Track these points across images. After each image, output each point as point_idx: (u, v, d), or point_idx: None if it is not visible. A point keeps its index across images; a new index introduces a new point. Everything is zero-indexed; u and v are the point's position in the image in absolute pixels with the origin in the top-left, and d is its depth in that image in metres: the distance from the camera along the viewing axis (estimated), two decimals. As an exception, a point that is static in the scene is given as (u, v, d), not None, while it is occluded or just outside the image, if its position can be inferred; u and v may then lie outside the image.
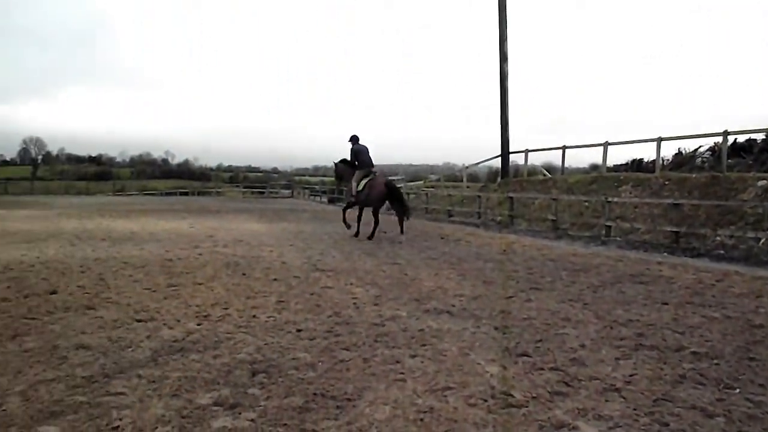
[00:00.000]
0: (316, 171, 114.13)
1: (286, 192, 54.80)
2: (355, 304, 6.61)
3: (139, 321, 5.62)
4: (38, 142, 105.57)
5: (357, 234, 14.43)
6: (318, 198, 44.84)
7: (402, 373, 4.25)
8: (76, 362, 4.33)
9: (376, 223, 14.45)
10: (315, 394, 3.82)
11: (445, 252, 11.68)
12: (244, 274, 8.46)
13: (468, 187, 30.11)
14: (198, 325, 5.54)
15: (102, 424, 3.29)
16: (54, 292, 6.87)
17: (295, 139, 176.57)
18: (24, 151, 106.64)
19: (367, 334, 5.30)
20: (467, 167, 31.77)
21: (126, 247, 11.35)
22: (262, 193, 55.09)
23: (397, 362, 4.51)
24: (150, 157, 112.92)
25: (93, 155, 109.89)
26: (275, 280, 8.07)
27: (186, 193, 58.06)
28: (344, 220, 15.01)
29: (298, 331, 5.39)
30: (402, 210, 14.30)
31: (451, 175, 40.72)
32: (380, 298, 6.97)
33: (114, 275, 8.15)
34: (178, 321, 5.67)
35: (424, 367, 4.41)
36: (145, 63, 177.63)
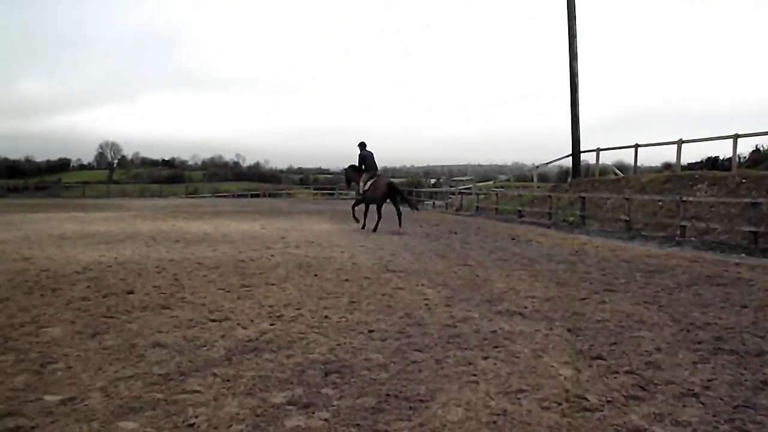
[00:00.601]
0: (385, 172, 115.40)
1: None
2: (426, 305, 6.78)
3: (213, 321, 5.94)
4: (114, 147, 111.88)
5: (363, 227, 17.26)
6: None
7: (474, 375, 4.36)
8: (153, 360, 4.66)
9: (379, 217, 17.09)
10: (387, 394, 3.97)
11: (516, 253, 11.86)
12: (315, 275, 8.77)
13: (538, 187, 30.69)
14: (271, 325, 5.82)
15: (178, 420, 3.54)
16: (131, 292, 7.35)
17: (365, 140, 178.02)
18: (100, 156, 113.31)
19: (439, 336, 5.44)
20: (537, 167, 32.30)
21: (200, 249, 11.93)
22: (332, 194, 56.58)
23: (470, 364, 4.62)
24: (221, 160, 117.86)
25: (166, 159, 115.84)
26: (347, 281, 8.36)
27: (257, 195, 60.10)
28: (354, 216, 18.29)
29: (370, 331, 5.59)
30: (400, 207, 17.79)
31: (520, 175, 41.59)
32: (452, 299, 7.13)
33: (188, 276, 8.62)
34: (252, 321, 5.96)
35: (496, 369, 4.51)
36: (217, 68, 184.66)
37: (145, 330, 5.56)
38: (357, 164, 17.74)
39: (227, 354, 4.84)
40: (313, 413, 3.67)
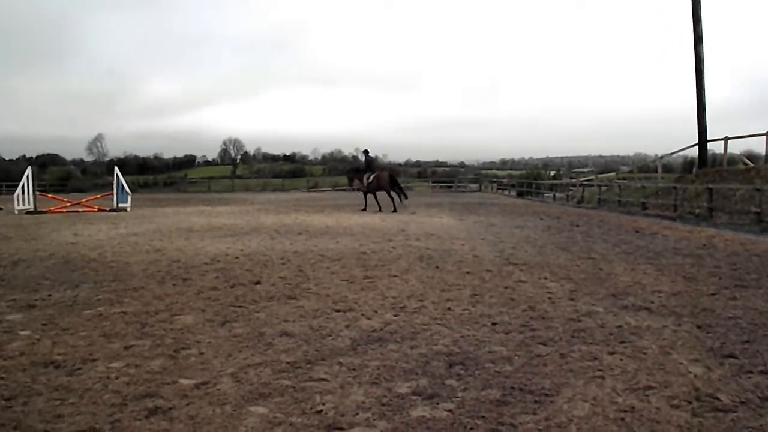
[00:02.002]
0: (504, 164, 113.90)
1: (474, 186, 57.49)
2: (549, 298, 6.76)
3: (338, 311, 6.15)
4: (237, 143, 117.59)
5: (365, 209, 23.10)
6: (506, 192, 45.42)
7: (600, 370, 4.30)
8: (280, 348, 4.89)
9: (380, 201, 23.09)
10: (512, 387, 3.98)
11: (641, 246, 11.59)
12: (437, 267, 8.89)
13: (662, 177, 29.53)
14: (395, 316, 5.95)
15: (306, 407, 3.69)
16: (258, 283, 7.72)
17: (481, 132, 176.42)
18: (224, 152, 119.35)
19: (563, 329, 5.42)
20: (661, 157, 31.37)
21: (322, 241, 12.32)
22: (450, 187, 57.20)
23: (595, 359, 4.57)
24: (341, 154, 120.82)
25: (287, 154, 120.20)
26: (468, 273, 8.43)
27: (376, 189, 61.13)
28: (365, 202, 23.88)
29: (493, 324, 5.62)
30: (399, 192, 23.18)
31: (643, 166, 40.54)
32: (575, 293, 7.08)
33: (312, 267, 8.94)
34: (376, 312, 6.12)
35: (623, 364, 4.43)
36: (336, 63, 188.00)
37: (272, 319, 5.83)
38: (361, 167, 24.63)
39: (352, 344, 4.99)
40: (438, 404, 3.72)
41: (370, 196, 23.89)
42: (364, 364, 4.47)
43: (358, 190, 24.31)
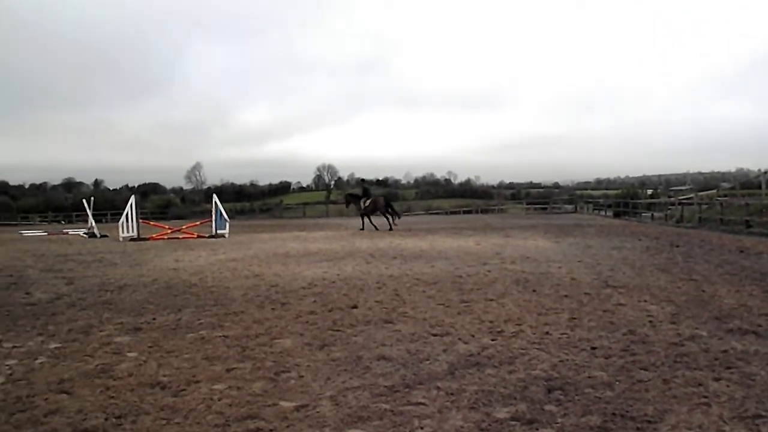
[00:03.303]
0: (599, 184, 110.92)
1: (569, 207, 56.63)
2: (650, 322, 6.60)
3: (434, 335, 6.16)
4: (330, 169, 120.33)
5: (363, 228, 26.58)
6: (602, 212, 44.26)
7: (706, 397, 4.18)
8: (378, 372, 4.95)
9: (373, 223, 26.90)
10: (613, 414, 3.91)
11: (746, 266, 11.14)
12: (534, 291, 8.80)
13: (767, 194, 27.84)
14: (492, 340, 5.92)
15: (404, 431, 3.73)
16: (355, 307, 7.85)
17: (575, 151, 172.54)
18: (318, 178, 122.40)
19: (665, 354, 5.28)
20: (765, 172, 29.72)
21: (417, 265, 12.38)
22: (545, 208, 56.47)
23: (700, 385, 4.43)
24: (433, 177, 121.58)
25: (380, 178, 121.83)
26: (566, 296, 8.32)
27: (469, 212, 61.14)
28: (363, 223, 27.39)
29: (593, 348, 5.52)
30: (393, 213, 27.26)
31: (746, 182, 39.18)
32: (677, 316, 6.89)
33: (408, 291, 9.00)
34: (473, 336, 6.10)
35: (730, 391, 4.28)
36: (424, 85, 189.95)
37: (369, 343, 5.92)
38: (357, 193, 28.48)
39: (450, 368, 5.00)
40: (537, 430, 3.70)
41: (367, 218, 27.42)
42: (462, 388, 4.47)
43: (357, 213, 28.53)
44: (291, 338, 6.22)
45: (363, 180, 30.77)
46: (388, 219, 27.03)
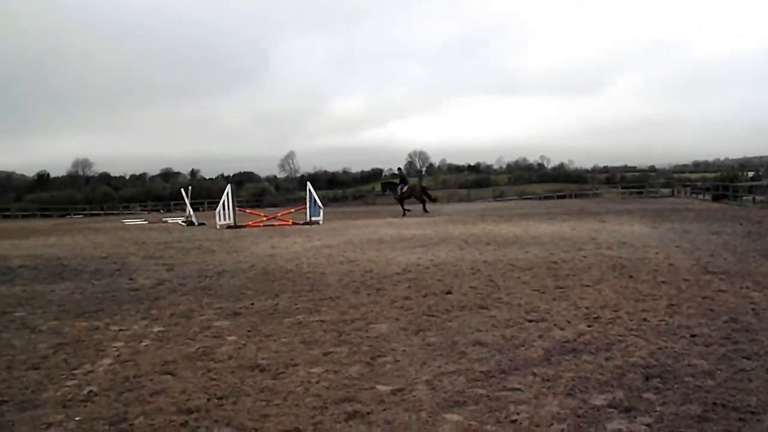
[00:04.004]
0: (697, 167, 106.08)
1: (666, 191, 54.72)
2: (753, 309, 6.34)
3: (530, 321, 6.14)
4: (422, 155, 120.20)
5: (404, 214, 28.47)
6: (700, 196, 42.29)
7: None
8: (474, 357, 4.98)
9: (405, 209, 29.54)
10: (714, 403, 3.81)
11: None
12: (630, 277, 8.60)
13: None
14: (588, 326, 5.85)
15: (501, 416, 3.74)
16: (449, 292, 7.89)
17: (672, 133, 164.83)
18: (410, 164, 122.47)
19: None
20: None
21: (511, 250, 12.27)
22: (641, 193, 54.54)
23: None
24: (526, 162, 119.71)
25: (472, 164, 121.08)
26: (664, 282, 8.08)
27: (563, 197, 59.86)
28: (402, 209, 29.63)
29: (692, 336, 5.37)
30: (428, 198, 30.74)
31: None
32: None
33: (503, 277, 8.96)
34: (569, 322, 6.05)
35: None
36: (518, 69, 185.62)
37: (464, 328, 5.95)
38: (394, 181, 31.70)
39: (546, 354, 4.97)
40: (635, 418, 3.65)
41: (401, 204, 30.24)
42: (558, 374, 4.44)
43: (395, 198, 31.15)
44: (386, 323, 6.33)
45: (399, 169, 34.07)
46: (423, 204, 30.02)
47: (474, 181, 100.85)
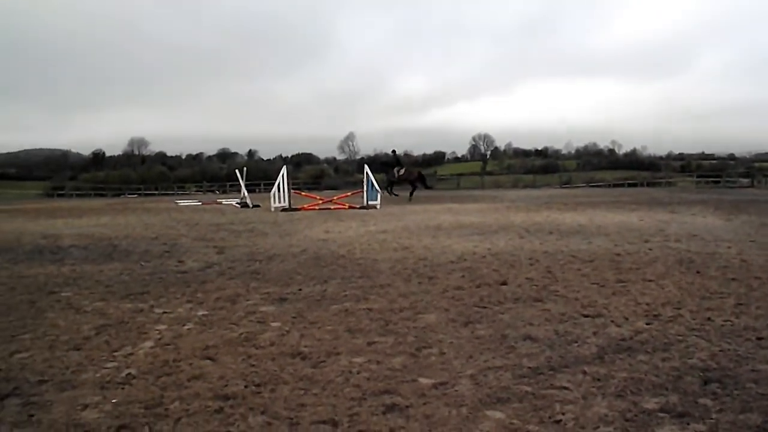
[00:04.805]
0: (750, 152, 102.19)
1: (745, 181, 53.45)
2: None
3: (585, 316, 6.05)
4: (487, 138, 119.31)
5: (397, 195, 31.36)
6: None
7: None
8: (523, 352, 4.94)
9: (412, 192, 31.22)
10: None
11: None
12: (698, 272, 8.37)
13: None
14: (647, 324, 5.73)
15: (545, 415, 3.71)
16: (504, 283, 7.84)
17: (754, 119, 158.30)
18: (473, 148, 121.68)
19: None
20: None
21: (573, 241, 12.11)
22: (717, 182, 53.10)
23: None
24: (596, 147, 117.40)
25: (539, 148, 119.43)
26: (733, 279, 7.83)
27: (634, 185, 58.66)
28: (390, 191, 31.68)
29: (759, 339, 5.19)
30: (422, 184, 32.09)
31: None
32: None
33: (561, 268, 8.85)
34: (626, 319, 5.93)
35: None
36: (592, 50, 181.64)
37: (516, 322, 5.91)
38: (390, 161, 32.70)
39: (599, 352, 4.90)
40: (689, 424, 3.56)
41: (389, 187, 31.73)
42: (610, 374, 4.37)
43: (392, 182, 31.98)
44: (435, 313, 6.33)
45: (394, 151, 33.74)
46: (413, 190, 31.31)
47: (540, 166, 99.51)
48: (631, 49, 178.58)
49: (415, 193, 31.59)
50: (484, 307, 6.55)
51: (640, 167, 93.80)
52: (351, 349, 5.13)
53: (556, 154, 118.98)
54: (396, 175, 31.31)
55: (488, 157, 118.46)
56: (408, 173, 31.70)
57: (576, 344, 5.13)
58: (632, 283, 7.70)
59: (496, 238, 12.92)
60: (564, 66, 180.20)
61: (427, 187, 33.67)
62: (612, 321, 5.86)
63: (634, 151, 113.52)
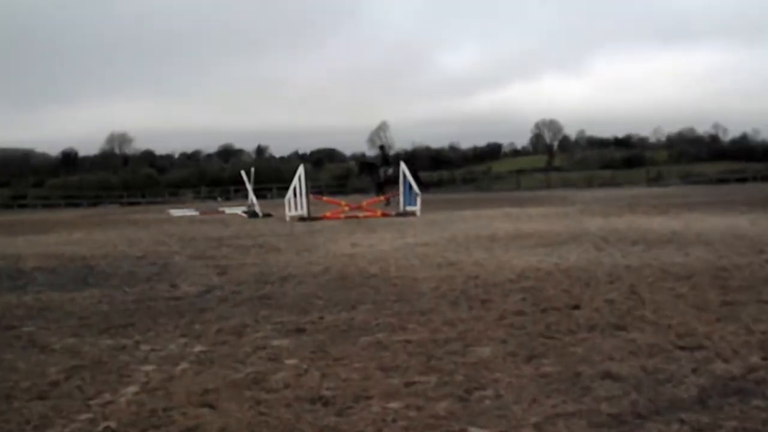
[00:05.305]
0: None
1: None
2: None
3: (682, 348, 5.94)
4: (553, 126, 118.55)
5: (388, 203, 30.43)
6: None
7: None
8: (601, 395, 4.85)
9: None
10: None
11: None
12: (832, 293, 8.18)
13: None
14: (763, 359, 5.60)
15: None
16: (576, 307, 7.77)
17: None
18: (536, 138, 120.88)
19: None
20: None
21: (665, 252, 11.99)
22: None
23: None
24: (693, 133, 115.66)
25: (619, 136, 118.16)
26: None
27: (744, 179, 57.92)
28: (380, 194, 31.74)
29: None
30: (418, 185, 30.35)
31: None
32: None
33: (650, 288, 8.76)
34: (736, 352, 5.80)
35: None
36: (684, 10, 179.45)
37: (592, 355, 5.83)
38: (375, 161, 33.58)
39: (700, 395, 4.79)
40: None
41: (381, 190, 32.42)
42: (716, 424, 4.25)
43: (372, 182, 33.42)
44: (490, 346, 6.28)
45: (382, 147, 35.90)
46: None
47: (622, 159, 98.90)
48: (738, 6, 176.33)
49: (463, 196, 31.57)
50: (552, 338, 6.48)
51: (751, 157, 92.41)
52: (385, 392, 5.09)
53: (642, 143, 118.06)
54: (384, 176, 32.19)
55: (555, 148, 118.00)
56: (397, 173, 31.67)
57: (670, 384, 5.02)
58: (743, 306, 7.57)
59: (566, 250, 12.85)
60: (650, 31, 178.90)
61: (422, 186, 33.33)
62: (717, 354, 5.74)
63: (743, 137, 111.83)
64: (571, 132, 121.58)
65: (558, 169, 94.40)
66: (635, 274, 9.78)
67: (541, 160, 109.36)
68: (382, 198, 31.48)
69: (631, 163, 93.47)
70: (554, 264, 11.11)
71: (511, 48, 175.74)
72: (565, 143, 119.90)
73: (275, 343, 6.73)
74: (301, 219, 24.66)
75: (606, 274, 9.94)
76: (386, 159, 33.85)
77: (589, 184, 60.42)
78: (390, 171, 32.22)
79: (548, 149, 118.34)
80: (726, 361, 5.56)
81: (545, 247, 13.37)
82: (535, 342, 6.35)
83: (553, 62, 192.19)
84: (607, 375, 5.27)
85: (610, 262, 11.04)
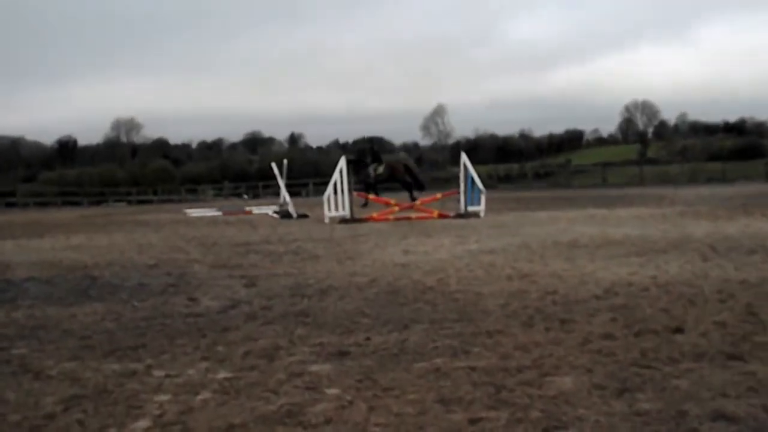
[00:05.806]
0: None
1: None
2: None
3: (813, 383, 5.81)
4: (647, 108, 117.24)
5: (366, 204, 32.14)
6: None
7: None
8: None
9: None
10: None
11: None
12: None
13: None
14: None
15: None
16: (678, 330, 7.65)
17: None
18: (627, 123, 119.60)
19: None
20: None
21: (790, 264, 11.77)
22: None
23: None
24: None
25: (731, 121, 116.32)
26: None
27: None
28: (367, 197, 32.21)
29: None
30: (416, 184, 35.12)
31: None
32: None
33: (772, 307, 8.61)
34: None
35: None
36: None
37: (700, 391, 5.71)
38: (362, 158, 35.12)
39: (835, 440, 4.69)
40: None
41: (373, 191, 33.65)
42: None
43: (360, 182, 33.97)
44: (572, 375, 6.23)
45: (371, 141, 38.98)
46: (410, 190, 34.61)
47: (735, 149, 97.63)
48: None
49: (536, 194, 31.39)
50: (648, 367, 6.39)
51: None
52: (446, 429, 5.07)
53: (760, 130, 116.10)
54: (373, 174, 34.14)
55: (650, 136, 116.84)
56: (391, 169, 34.71)
57: (798, 427, 4.93)
58: None
59: (665, 260, 12.73)
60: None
61: (421, 185, 36.43)
62: None
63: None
64: (669, 116, 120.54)
65: (653, 161, 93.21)
66: (752, 291, 9.63)
67: (632, 151, 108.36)
68: (370, 197, 32.62)
69: (746, 153, 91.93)
70: (650, 277, 10.99)
71: (599, 12, 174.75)
72: (663, 130, 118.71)
73: (314, 368, 6.73)
74: (343, 221, 24.69)
75: (715, 290, 9.79)
76: (376, 156, 34.93)
77: (693, 179, 59.71)
78: (381, 169, 33.64)
79: (641, 137, 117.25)
80: None
81: (639, 257, 13.24)
82: (627, 372, 6.26)
83: (650, 30, 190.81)
84: (719, 415, 5.17)
85: (720, 276, 10.90)
